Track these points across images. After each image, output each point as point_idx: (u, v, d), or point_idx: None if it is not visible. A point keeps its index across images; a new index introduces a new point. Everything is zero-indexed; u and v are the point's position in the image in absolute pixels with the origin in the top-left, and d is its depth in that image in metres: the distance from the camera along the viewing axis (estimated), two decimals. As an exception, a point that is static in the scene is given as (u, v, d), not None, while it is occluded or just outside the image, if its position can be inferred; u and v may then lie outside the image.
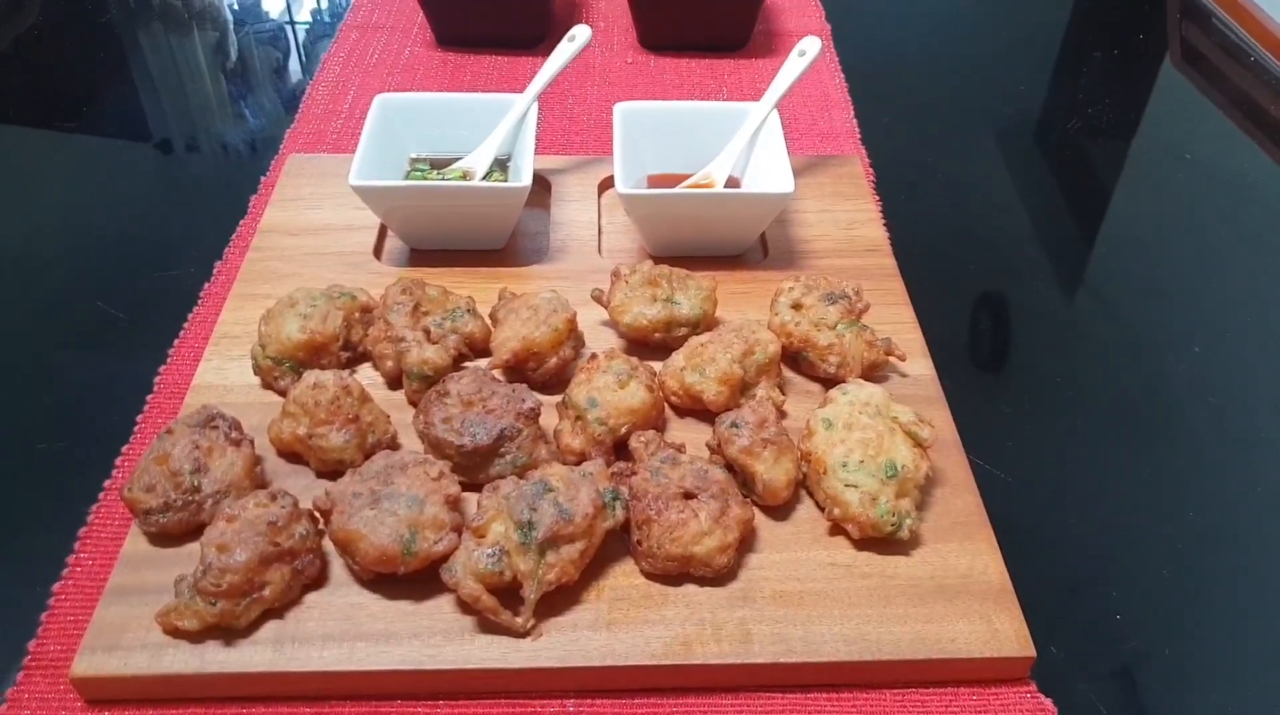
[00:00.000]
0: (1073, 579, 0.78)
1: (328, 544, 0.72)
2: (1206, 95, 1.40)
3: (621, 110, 1.03)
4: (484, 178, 1.03)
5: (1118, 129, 1.34)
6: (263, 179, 1.14)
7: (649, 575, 0.72)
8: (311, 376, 0.78)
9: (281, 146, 1.20)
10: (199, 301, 0.98)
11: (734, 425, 0.76)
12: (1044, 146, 1.31)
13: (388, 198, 0.95)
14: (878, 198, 1.12)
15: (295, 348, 0.84)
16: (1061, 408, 0.93)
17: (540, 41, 1.40)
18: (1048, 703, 0.68)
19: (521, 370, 0.85)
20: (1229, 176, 1.24)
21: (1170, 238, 1.15)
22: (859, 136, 1.24)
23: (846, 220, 1.06)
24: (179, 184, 1.19)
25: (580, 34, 1.06)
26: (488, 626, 0.68)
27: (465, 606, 0.68)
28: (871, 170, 1.17)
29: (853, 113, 1.29)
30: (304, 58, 1.47)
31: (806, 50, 1.03)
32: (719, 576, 0.71)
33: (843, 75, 1.36)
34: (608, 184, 1.10)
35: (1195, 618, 0.75)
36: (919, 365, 0.89)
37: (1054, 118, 1.36)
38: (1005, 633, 0.69)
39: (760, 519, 0.76)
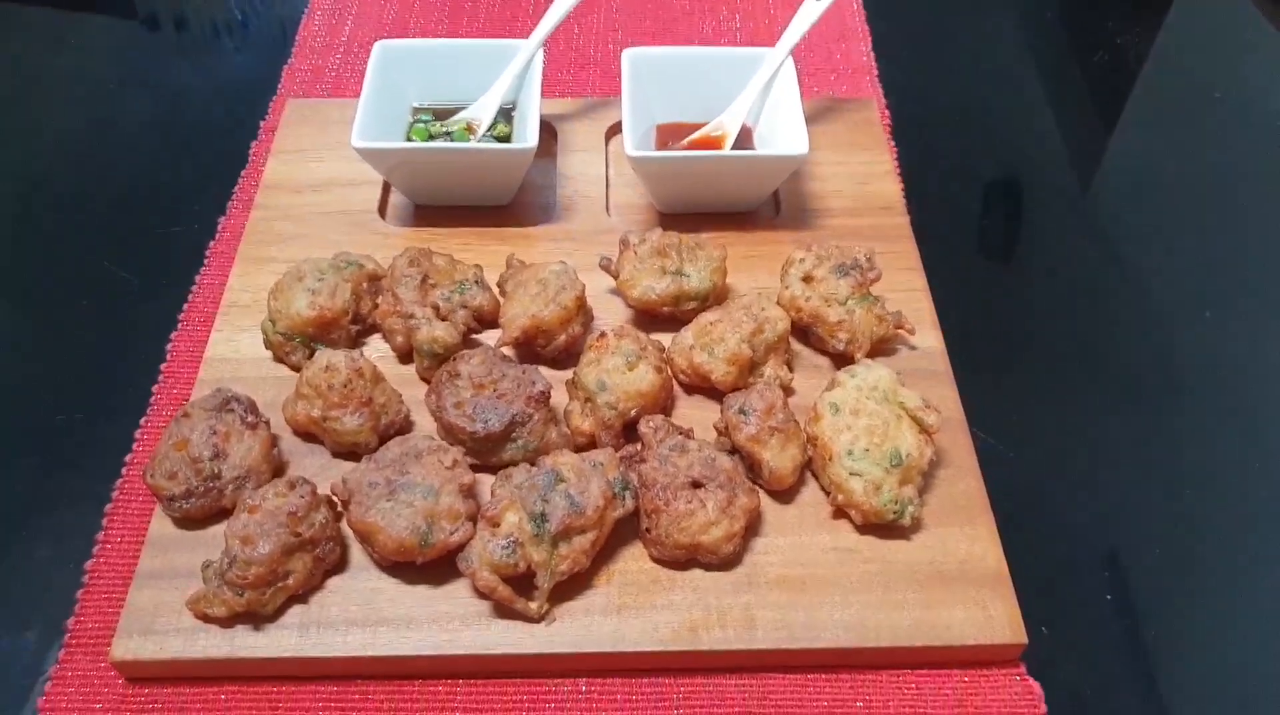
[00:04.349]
0: (1069, 557, 0.80)
1: (346, 528, 0.74)
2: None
3: (630, 57, 1.00)
4: (488, 129, 1.01)
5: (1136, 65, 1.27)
6: (262, 123, 1.11)
7: (657, 560, 0.74)
8: (324, 358, 0.79)
9: (280, 86, 1.16)
10: (205, 262, 0.97)
11: (741, 411, 0.77)
12: (1069, 81, 1.25)
13: (391, 159, 0.93)
14: (893, 144, 1.09)
15: (305, 323, 0.84)
16: (1068, 382, 0.92)
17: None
18: (1035, 685, 0.71)
19: (531, 346, 0.85)
20: (1263, 117, 1.19)
21: (1196, 203, 1.10)
22: (876, 73, 1.20)
23: (861, 174, 1.03)
24: (178, 129, 1.16)
25: (587, -26, 1.01)
26: (503, 611, 0.71)
27: (481, 592, 0.71)
28: (888, 113, 1.13)
29: (870, 45, 1.23)
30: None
31: (824, -7, 0.99)
32: (725, 562, 0.73)
33: (861, 3, 1.30)
34: (615, 130, 1.07)
35: (1189, 597, 0.78)
36: (928, 337, 0.89)
37: (1083, 48, 1.30)
38: (999, 619, 0.71)
39: (765, 501, 0.77)
